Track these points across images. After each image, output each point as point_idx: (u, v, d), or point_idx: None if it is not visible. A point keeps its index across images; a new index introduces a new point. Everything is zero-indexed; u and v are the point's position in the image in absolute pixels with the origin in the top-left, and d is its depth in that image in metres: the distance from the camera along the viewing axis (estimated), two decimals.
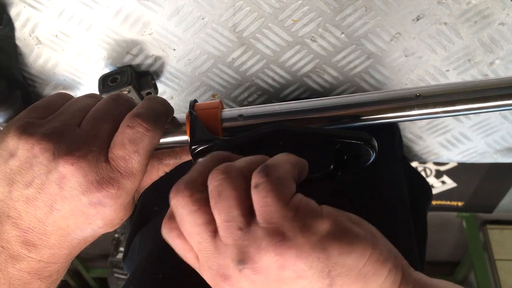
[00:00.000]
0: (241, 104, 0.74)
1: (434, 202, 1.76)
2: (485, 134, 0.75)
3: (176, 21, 0.62)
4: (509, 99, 0.38)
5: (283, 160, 0.32)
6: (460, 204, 1.79)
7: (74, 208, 0.34)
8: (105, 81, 0.66)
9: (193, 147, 0.38)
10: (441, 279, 0.35)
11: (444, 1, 0.58)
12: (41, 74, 0.70)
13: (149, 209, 0.71)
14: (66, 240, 0.36)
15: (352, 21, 0.61)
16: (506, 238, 1.93)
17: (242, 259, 0.29)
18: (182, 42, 0.64)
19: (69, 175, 0.33)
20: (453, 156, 0.80)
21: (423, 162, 1.44)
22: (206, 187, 0.31)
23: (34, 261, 0.36)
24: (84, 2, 0.60)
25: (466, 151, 0.79)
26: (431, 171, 1.62)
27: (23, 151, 0.34)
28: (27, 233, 0.35)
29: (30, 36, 0.65)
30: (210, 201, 0.30)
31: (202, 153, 0.37)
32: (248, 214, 0.30)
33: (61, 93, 0.39)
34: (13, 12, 0.62)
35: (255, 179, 0.30)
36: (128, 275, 0.56)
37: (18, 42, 0.65)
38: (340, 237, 0.29)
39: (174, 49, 0.65)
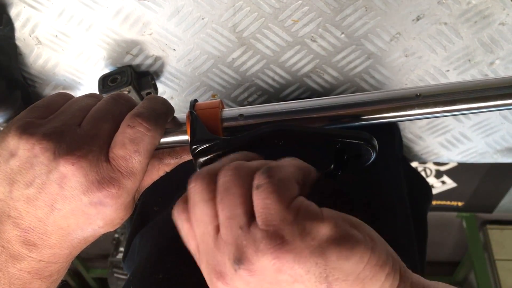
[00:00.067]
0: (241, 104, 0.74)
1: (434, 202, 1.76)
2: (485, 134, 0.75)
3: (176, 21, 0.62)
4: (509, 98, 0.38)
5: (287, 163, 0.32)
6: (460, 204, 1.79)
7: (75, 208, 0.34)
8: (105, 81, 0.66)
9: (194, 146, 0.38)
10: (439, 281, 0.35)
11: (444, 1, 0.58)
12: (41, 74, 0.70)
13: (149, 209, 0.71)
14: (67, 240, 0.36)
15: (352, 21, 0.61)
16: (506, 238, 1.93)
17: (239, 259, 0.28)
18: (182, 42, 0.64)
19: (70, 174, 0.33)
20: (453, 156, 0.80)
21: (423, 162, 1.44)
22: None
23: (34, 261, 0.36)
24: (84, 2, 0.60)
25: (466, 151, 0.79)
26: (431, 171, 1.63)
27: (23, 151, 0.34)
28: (28, 233, 0.35)
29: (30, 36, 0.65)
30: (216, 196, 0.30)
31: (202, 153, 0.37)
32: (251, 214, 0.29)
33: (61, 93, 0.39)
34: (13, 12, 0.62)
35: (257, 179, 0.30)
36: (128, 275, 0.56)
37: (18, 42, 0.65)
38: (340, 242, 0.28)
39: (174, 49, 0.65)
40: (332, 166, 0.38)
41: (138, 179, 0.36)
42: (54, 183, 0.33)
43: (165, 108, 0.39)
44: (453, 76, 0.66)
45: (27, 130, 0.34)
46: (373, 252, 0.29)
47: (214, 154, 0.37)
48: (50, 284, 0.38)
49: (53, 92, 0.72)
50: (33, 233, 0.35)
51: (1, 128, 0.67)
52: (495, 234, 1.94)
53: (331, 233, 0.28)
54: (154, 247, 0.58)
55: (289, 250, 0.28)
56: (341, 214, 0.31)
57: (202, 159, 0.37)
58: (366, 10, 0.59)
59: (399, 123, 0.76)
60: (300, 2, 0.59)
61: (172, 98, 0.73)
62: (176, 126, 0.41)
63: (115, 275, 1.70)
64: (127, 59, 0.67)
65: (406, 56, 0.65)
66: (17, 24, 0.63)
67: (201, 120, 0.39)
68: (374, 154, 0.37)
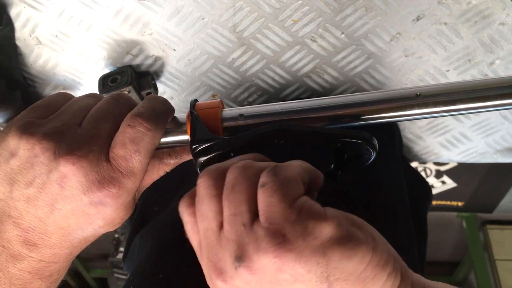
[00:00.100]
0: (241, 104, 0.74)
1: (434, 202, 1.76)
2: (485, 134, 0.75)
3: (176, 21, 0.62)
4: (509, 98, 0.38)
5: (294, 164, 0.32)
6: (460, 204, 1.79)
7: (75, 208, 0.34)
8: (105, 81, 0.66)
9: (194, 146, 0.38)
10: (439, 281, 0.35)
11: (444, 1, 0.58)
12: (41, 74, 0.70)
13: (149, 209, 0.71)
14: (67, 240, 0.36)
15: (352, 21, 0.61)
16: (506, 238, 1.93)
17: (240, 257, 0.28)
18: (182, 42, 0.64)
19: (70, 174, 0.33)
20: (453, 156, 0.80)
21: (423, 162, 1.44)
22: None
23: (35, 261, 0.36)
24: (84, 3, 0.60)
25: (466, 151, 0.79)
26: (431, 171, 1.63)
27: (24, 150, 0.34)
28: (28, 233, 0.35)
29: (30, 36, 0.65)
30: (223, 192, 0.31)
31: (203, 153, 0.37)
32: (255, 212, 0.29)
33: (61, 93, 0.39)
34: (13, 12, 0.62)
35: (262, 178, 0.30)
36: (128, 275, 0.56)
37: (18, 42, 0.65)
38: (342, 242, 0.28)
39: (174, 49, 0.65)
40: (332, 165, 0.38)
41: (138, 179, 0.36)
42: (54, 183, 0.33)
43: (165, 108, 0.39)
44: (453, 76, 0.66)
45: (27, 130, 0.34)
46: (375, 252, 0.29)
47: (215, 153, 0.37)
48: (50, 283, 0.38)
49: (53, 92, 0.72)
50: (34, 233, 0.35)
51: (1, 128, 0.67)
52: (495, 234, 1.94)
53: (334, 233, 0.28)
54: (154, 247, 0.58)
55: (290, 249, 0.28)
56: (344, 213, 0.31)
57: (202, 159, 0.37)
58: (366, 10, 0.59)
59: (399, 123, 0.76)
60: (300, 2, 0.59)
61: (172, 98, 0.73)
62: (176, 126, 0.41)
63: (115, 275, 1.70)
64: (127, 59, 0.67)
65: (406, 56, 0.65)
66: (17, 24, 0.63)
67: (201, 120, 0.39)
68: (374, 153, 0.37)
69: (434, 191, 1.71)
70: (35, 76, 0.70)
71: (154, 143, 0.37)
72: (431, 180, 1.66)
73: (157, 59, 0.67)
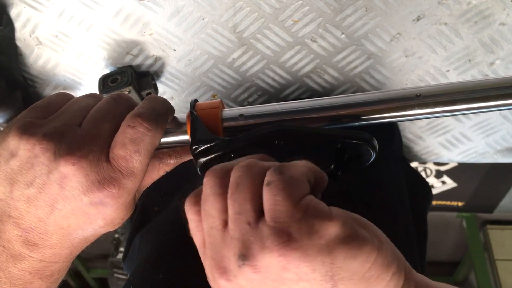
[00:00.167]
0: (241, 104, 0.74)
1: (434, 202, 1.76)
2: (485, 134, 0.75)
3: (176, 22, 0.62)
4: (509, 98, 0.38)
5: (300, 163, 0.32)
6: (460, 204, 1.79)
7: (75, 208, 0.34)
8: (106, 82, 0.66)
9: (194, 147, 0.38)
10: (442, 282, 0.35)
11: (444, 1, 0.58)
12: (41, 74, 0.70)
13: (150, 209, 0.71)
14: (67, 240, 0.36)
15: (352, 22, 0.61)
16: (506, 238, 1.93)
17: (244, 255, 0.28)
18: (182, 43, 0.64)
19: (70, 175, 0.33)
20: (453, 156, 0.80)
21: (423, 162, 1.44)
22: None
23: (35, 261, 0.36)
24: (84, 3, 0.60)
25: (467, 151, 0.79)
26: (431, 171, 1.63)
27: (24, 151, 0.34)
28: (28, 233, 0.35)
29: (31, 36, 0.65)
30: (228, 190, 0.31)
31: (203, 153, 0.37)
32: (260, 210, 0.29)
33: (61, 93, 0.39)
34: (13, 12, 0.62)
35: (268, 176, 0.30)
36: (128, 275, 0.56)
37: (18, 42, 0.66)
38: (347, 241, 0.28)
39: (174, 50, 0.65)
40: (332, 166, 0.38)
41: (138, 179, 0.36)
42: (54, 183, 0.33)
43: (165, 108, 0.39)
44: (453, 76, 0.66)
45: (27, 130, 0.34)
46: (380, 252, 0.29)
47: (215, 154, 0.37)
48: (50, 283, 0.38)
49: (54, 92, 0.72)
50: (34, 233, 0.35)
51: (1, 129, 0.67)
52: (495, 234, 1.94)
53: (339, 232, 0.28)
54: (154, 247, 0.58)
55: (295, 247, 0.27)
56: (350, 213, 0.31)
57: (202, 160, 0.37)
58: (366, 11, 0.59)
59: (399, 123, 0.76)
60: (300, 2, 0.59)
61: (172, 98, 0.73)
62: (177, 126, 0.41)
63: (115, 275, 1.70)
64: (127, 59, 0.67)
65: (406, 56, 0.65)
66: (17, 25, 0.63)
67: (202, 120, 0.39)
68: (374, 154, 0.37)
69: (434, 191, 1.71)
70: (35, 76, 0.70)
71: (154, 143, 0.37)
72: (431, 180, 1.66)
73: (157, 59, 0.67)
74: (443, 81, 0.67)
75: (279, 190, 0.29)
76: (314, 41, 0.63)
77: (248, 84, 0.70)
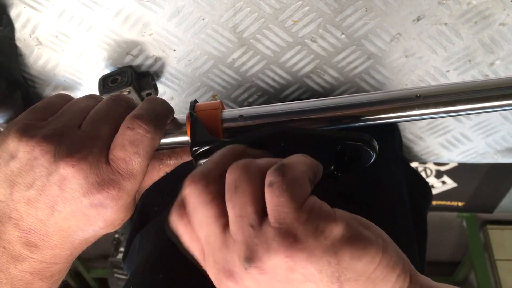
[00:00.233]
0: (241, 105, 0.74)
1: (434, 202, 1.76)
2: (485, 134, 0.75)
3: (176, 22, 0.62)
4: (509, 99, 0.38)
5: (299, 160, 0.32)
6: (460, 204, 1.79)
7: (75, 210, 0.34)
8: (106, 82, 0.66)
9: (194, 148, 0.38)
10: (442, 282, 0.35)
11: (444, 1, 0.58)
12: (41, 74, 0.70)
13: (149, 209, 0.71)
14: (68, 241, 0.36)
15: (352, 22, 0.61)
16: (507, 238, 1.93)
17: (250, 257, 0.28)
18: (182, 43, 0.64)
19: (70, 176, 0.33)
20: (454, 157, 0.80)
21: (423, 162, 1.44)
22: (221, 179, 0.31)
23: (35, 262, 0.36)
24: (84, 3, 0.60)
25: (467, 152, 0.79)
26: (431, 171, 1.63)
27: (23, 153, 0.34)
28: (29, 234, 0.35)
29: (30, 37, 0.65)
30: (226, 193, 0.30)
31: (203, 155, 0.37)
32: (262, 212, 0.29)
33: (61, 94, 0.39)
34: (13, 13, 0.62)
35: (270, 177, 0.29)
36: (128, 276, 0.56)
37: (18, 43, 0.66)
38: (353, 242, 0.28)
39: (174, 50, 0.65)
40: (333, 167, 0.38)
41: (138, 180, 0.36)
42: (54, 185, 0.33)
43: (165, 109, 0.39)
44: (454, 77, 0.66)
45: (27, 132, 0.34)
46: (385, 253, 0.29)
47: None
48: (51, 284, 0.38)
49: (54, 92, 0.72)
50: (34, 234, 0.35)
51: (1, 129, 0.67)
52: (496, 234, 1.94)
53: (344, 233, 0.28)
54: (154, 247, 0.58)
55: (302, 249, 0.27)
56: (353, 215, 0.31)
57: (202, 161, 0.37)
58: (366, 11, 0.59)
59: (399, 123, 0.76)
60: (300, 2, 0.59)
61: (172, 98, 0.73)
62: (176, 127, 0.41)
63: (116, 275, 1.70)
64: (127, 60, 0.67)
65: (406, 57, 0.65)
66: (17, 25, 0.63)
67: (201, 121, 0.39)
68: (374, 155, 0.37)
69: (435, 191, 1.71)
70: (35, 76, 0.70)
71: (154, 144, 0.37)
72: (432, 180, 1.66)
73: (157, 59, 0.67)
74: (443, 81, 0.67)
75: (282, 191, 0.29)
76: (314, 41, 0.63)
77: (248, 85, 0.70)
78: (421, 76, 0.67)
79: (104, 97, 0.39)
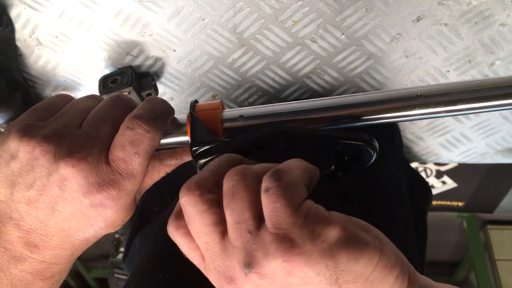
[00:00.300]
0: (241, 105, 0.74)
1: (434, 202, 1.76)
2: (485, 134, 0.75)
3: (176, 22, 0.62)
4: (511, 98, 0.38)
5: (294, 165, 0.32)
6: (460, 204, 1.79)
7: (75, 210, 0.34)
8: (106, 82, 0.66)
9: (194, 148, 0.38)
10: (445, 284, 0.35)
11: (444, 2, 0.58)
12: (41, 75, 0.70)
13: (150, 209, 0.71)
14: (68, 241, 0.36)
15: (352, 22, 0.61)
16: (507, 238, 1.93)
17: (249, 263, 0.28)
18: (182, 43, 0.64)
19: (70, 177, 0.33)
20: (454, 157, 0.80)
21: (423, 162, 1.44)
22: (217, 187, 0.32)
23: (36, 262, 0.36)
24: (84, 3, 0.60)
25: (467, 152, 0.79)
26: (431, 171, 1.63)
27: (24, 153, 0.34)
28: (29, 234, 0.35)
29: (31, 37, 0.65)
30: (224, 201, 0.30)
31: (203, 155, 0.37)
32: (259, 217, 0.29)
33: (61, 95, 0.39)
34: (13, 13, 0.62)
35: (265, 182, 0.30)
36: (128, 276, 0.57)
37: (18, 43, 0.66)
38: (349, 244, 0.28)
39: (175, 50, 0.65)
40: (333, 167, 0.38)
41: (138, 180, 0.36)
42: (54, 185, 0.33)
43: (165, 109, 0.39)
44: (454, 77, 0.66)
45: (27, 133, 0.34)
46: (382, 254, 0.29)
47: (214, 156, 0.37)
48: (52, 285, 0.38)
49: (54, 93, 0.72)
50: (35, 235, 0.35)
51: (2, 130, 0.67)
52: (496, 234, 1.94)
53: (340, 236, 0.28)
54: (154, 247, 0.58)
55: (299, 253, 0.28)
56: (350, 217, 0.31)
57: (202, 161, 0.37)
58: (366, 11, 0.59)
59: (399, 123, 0.76)
60: (300, 3, 0.59)
61: (172, 99, 0.73)
62: (177, 127, 0.41)
63: (116, 275, 1.70)
64: (127, 60, 0.67)
65: (406, 57, 0.65)
66: (17, 25, 0.63)
67: (202, 121, 0.39)
68: (375, 155, 0.37)
69: (435, 191, 1.71)
70: (36, 77, 0.70)
71: (154, 144, 0.37)
72: (432, 180, 1.66)
73: (157, 60, 0.67)
74: (443, 81, 0.67)
75: (278, 196, 0.29)
76: (314, 41, 0.63)
77: (248, 85, 0.70)
78: (421, 77, 0.67)
79: (105, 97, 0.39)
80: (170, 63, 0.67)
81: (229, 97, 0.72)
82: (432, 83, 0.68)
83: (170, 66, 0.68)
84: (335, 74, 0.68)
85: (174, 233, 0.33)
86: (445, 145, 0.78)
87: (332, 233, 0.28)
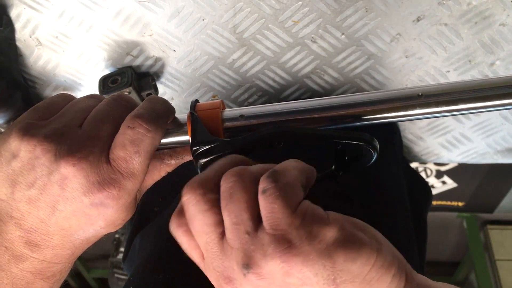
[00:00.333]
0: (241, 105, 0.74)
1: (434, 202, 1.76)
2: (485, 135, 0.75)
3: (176, 22, 0.62)
4: (511, 98, 0.38)
5: (291, 166, 0.32)
6: (460, 204, 1.79)
7: (76, 209, 0.34)
8: (106, 82, 0.66)
9: (194, 148, 0.38)
10: (443, 282, 0.35)
11: (444, 2, 0.58)
12: (41, 75, 0.70)
13: (150, 209, 0.71)
14: (69, 241, 0.36)
15: (352, 22, 0.61)
16: (507, 238, 1.93)
17: (247, 264, 0.29)
18: (182, 43, 0.64)
19: (71, 176, 0.33)
20: (454, 157, 0.81)
21: (423, 162, 1.44)
22: (219, 188, 0.32)
23: (37, 261, 0.36)
24: (84, 3, 0.60)
25: (467, 152, 0.79)
26: (431, 171, 1.63)
27: (25, 152, 0.34)
28: (30, 234, 0.35)
29: (31, 37, 0.65)
30: (221, 202, 0.31)
31: (203, 155, 0.37)
32: (257, 218, 0.30)
33: (62, 94, 0.39)
34: (13, 13, 0.62)
35: (263, 184, 0.30)
36: (129, 276, 0.57)
37: (18, 43, 0.66)
38: (346, 244, 0.28)
39: (175, 50, 0.65)
40: (333, 167, 0.38)
41: (138, 180, 0.36)
42: (55, 184, 0.33)
43: (166, 108, 0.39)
44: (454, 77, 0.67)
45: (28, 132, 0.34)
46: (379, 254, 0.29)
47: (215, 155, 0.37)
48: (52, 284, 0.38)
49: (54, 93, 0.72)
50: (35, 234, 0.35)
51: (2, 130, 0.67)
52: (496, 234, 1.94)
53: (338, 236, 0.29)
54: (154, 247, 0.58)
55: (297, 253, 0.28)
56: (347, 217, 0.31)
57: (203, 161, 0.37)
58: (366, 11, 0.59)
59: (399, 123, 0.76)
60: (300, 3, 0.59)
61: (172, 99, 0.73)
62: (177, 127, 0.41)
63: (116, 275, 1.70)
64: (127, 60, 0.67)
65: (406, 57, 0.65)
66: (17, 25, 0.63)
67: (202, 121, 0.39)
68: (375, 155, 0.37)
69: (435, 191, 1.71)
70: (36, 77, 0.70)
71: (154, 144, 0.37)
72: (432, 180, 1.66)
73: (157, 60, 0.67)
74: (443, 81, 0.67)
75: (275, 197, 0.29)
76: (314, 41, 0.63)
77: (248, 85, 0.70)
78: (421, 77, 0.67)
79: (105, 97, 0.39)
80: (170, 63, 0.67)
81: (229, 97, 0.72)
82: (432, 83, 0.68)
83: (170, 66, 0.68)
84: (335, 74, 0.68)
85: (176, 231, 0.33)
86: (445, 145, 0.78)
87: (329, 234, 0.29)
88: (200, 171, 0.38)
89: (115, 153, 0.35)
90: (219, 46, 0.64)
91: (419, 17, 0.60)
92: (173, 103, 0.72)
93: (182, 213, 0.33)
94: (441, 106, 0.39)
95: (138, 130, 0.35)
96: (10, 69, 0.65)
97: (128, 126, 0.36)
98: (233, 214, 0.30)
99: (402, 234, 0.63)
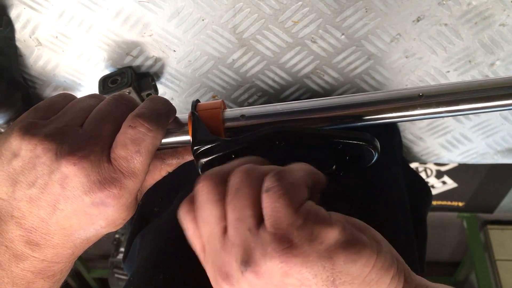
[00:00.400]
0: (241, 105, 0.74)
1: (434, 202, 1.76)
2: (485, 135, 0.75)
3: (176, 23, 0.62)
4: (511, 98, 0.38)
5: (298, 167, 0.32)
6: (460, 204, 1.79)
7: (77, 208, 0.34)
8: (105, 83, 0.66)
9: (195, 147, 0.38)
10: (442, 284, 0.35)
11: (444, 2, 0.58)
12: (41, 75, 0.70)
13: (150, 209, 0.71)
14: (69, 240, 0.36)
15: (352, 22, 0.61)
16: (507, 238, 1.93)
17: (246, 261, 0.28)
18: (182, 44, 0.64)
19: (72, 175, 0.33)
20: (454, 157, 0.81)
21: (423, 162, 1.44)
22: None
23: (37, 261, 0.36)
24: (84, 4, 0.60)
25: (467, 152, 0.79)
26: (431, 171, 1.63)
27: (26, 151, 0.34)
28: (31, 233, 0.35)
29: (30, 37, 0.65)
30: (227, 196, 0.31)
31: (204, 154, 0.37)
32: (260, 216, 0.30)
33: (63, 94, 0.39)
34: (13, 13, 0.62)
35: (267, 182, 0.30)
36: (129, 276, 0.57)
37: (18, 43, 0.66)
38: (347, 246, 0.28)
39: (174, 51, 0.65)
40: (334, 167, 0.38)
41: (139, 179, 0.36)
42: (56, 183, 0.33)
43: (167, 108, 0.39)
44: (454, 77, 0.67)
45: (29, 131, 0.34)
46: (379, 256, 0.29)
47: (216, 155, 0.37)
48: (53, 283, 0.38)
49: (54, 93, 0.72)
50: (36, 233, 0.35)
51: (2, 130, 0.67)
52: (496, 234, 1.94)
53: (339, 237, 0.28)
54: (155, 247, 0.58)
55: (297, 254, 0.28)
56: (348, 218, 0.31)
57: (203, 160, 0.37)
58: (366, 11, 0.59)
59: (399, 124, 0.76)
60: (300, 3, 0.59)
61: (172, 99, 0.73)
62: (178, 127, 0.41)
63: (116, 275, 1.70)
64: (127, 60, 0.67)
65: (406, 57, 0.65)
66: (17, 26, 0.63)
67: (203, 121, 0.39)
68: (376, 155, 0.37)
69: (435, 191, 1.71)
70: (36, 77, 0.70)
71: (155, 143, 0.37)
72: (432, 180, 1.66)
73: (157, 60, 0.67)
74: (443, 82, 0.67)
75: (278, 196, 0.29)
76: (314, 42, 0.63)
77: (248, 85, 0.70)
78: (421, 77, 0.67)
79: (106, 97, 0.39)
80: (170, 63, 0.67)
81: (229, 98, 0.72)
82: (432, 83, 0.68)
83: (170, 67, 0.68)
84: (335, 75, 0.68)
85: (184, 216, 0.33)
86: (445, 145, 0.78)
87: (331, 235, 0.28)
88: (201, 171, 0.38)
89: (116, 152, 0.35)
90: (219, 46, 0.64)
91: (419, 17, 0.60)
92: (173, 103, 0.72)
93: (193, 201, 0.33)
94: (441, 107, 0.39)
95: (139, 129, 0.35)
96: (10, 70, 0.65)
97: (129, 126, 0.36)
98: (236, 209, 0.30)
99: (402, 234, 0.63)
